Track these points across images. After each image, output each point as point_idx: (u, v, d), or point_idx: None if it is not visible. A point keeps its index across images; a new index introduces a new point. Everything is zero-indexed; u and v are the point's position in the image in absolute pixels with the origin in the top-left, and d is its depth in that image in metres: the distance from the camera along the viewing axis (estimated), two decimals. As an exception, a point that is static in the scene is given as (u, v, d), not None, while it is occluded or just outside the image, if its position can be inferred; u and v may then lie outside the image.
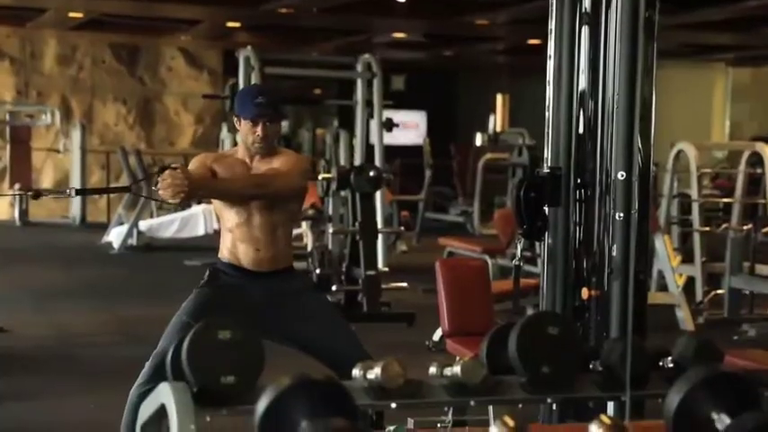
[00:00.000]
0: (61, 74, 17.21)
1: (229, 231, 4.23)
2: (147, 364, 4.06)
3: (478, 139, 17.64)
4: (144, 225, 12.88)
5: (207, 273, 4.27)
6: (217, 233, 4.45)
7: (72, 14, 14.21)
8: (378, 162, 10.86)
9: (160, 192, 3.77)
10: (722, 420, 2.10)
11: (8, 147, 16.18)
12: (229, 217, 4.22)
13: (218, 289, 4.21)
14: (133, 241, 12.81)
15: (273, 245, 4.22)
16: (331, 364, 4.11)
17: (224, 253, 4.26)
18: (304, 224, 10.06)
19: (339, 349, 4.15)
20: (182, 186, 3.73)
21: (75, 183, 15.76)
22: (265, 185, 4.13)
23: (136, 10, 13.54)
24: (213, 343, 2.26)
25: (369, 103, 11.37)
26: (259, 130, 4.17)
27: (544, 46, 3.87)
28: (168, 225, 12.79)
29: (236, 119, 4.27)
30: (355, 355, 3.96)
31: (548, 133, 3.80)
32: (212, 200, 4.35)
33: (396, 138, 13.97)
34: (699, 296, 8.95)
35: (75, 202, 15.67)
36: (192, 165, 4.24)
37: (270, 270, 4.22)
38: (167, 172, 3.76)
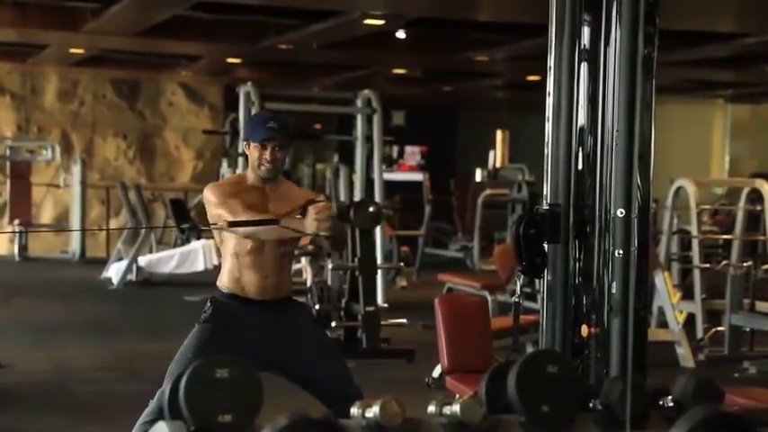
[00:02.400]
0: (62, 109, 17.27)
1: (236, 258, 4.22)
2: (152, 402, 4.05)
3: (478, 175, 17.67)
4: (143, 260, 12.87)
5: (208, 306, 4.25)
6: (216, 268, 4.45)
7: (73, 50, 14.27)
8: (377, 197, 10.87)
9: (316, 225, 3.90)
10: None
11: (8, 182, 16.20)
12: (242, 244, 4.21)
13: (220, 324, 4.20)
14: (132, 277, 12.79)
15: (280, 272, 4.27)
16: (323, 399, 4.12)
17: (225, 282, 4.26)
18: (303, 260, 10.05)
19: (333, 385, 4.16)
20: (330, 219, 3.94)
21: (75, 218, 15.77)
22: None
23: (137, 46, 13.59)
24: (211, 381, 2.25)
25: (369, 139, 11.40)
26: (268, 153, 4.22)
27: (543, 82, 3.87)
28: (167, 260, 12.78)
29: (245, 144, 4.31)
30: (348, 393, 3.97)
31: (547, 170, 3.80)
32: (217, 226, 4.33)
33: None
34: (699, 333, 8.93)
35: (75, 237, 15.67)
36: (223, 196, 4.19)
37: (273, 298, 4.25)
38: (323, 204, 3.95)
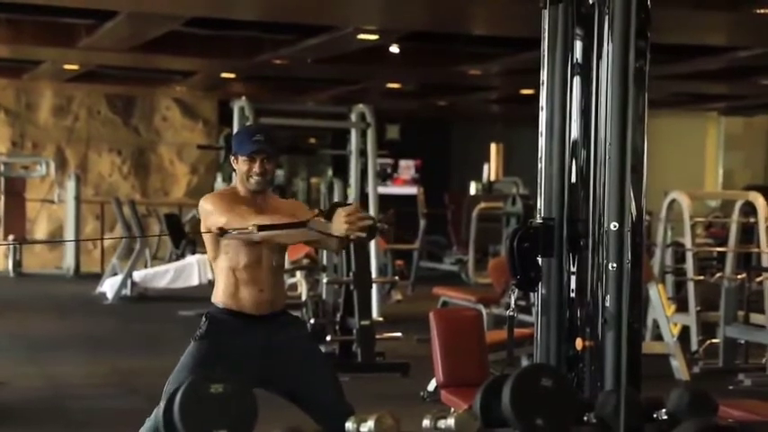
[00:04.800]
0: (56, 125, 17.26)
1: (233, 273, 4.20)
2: (148, 420, 4.03)
3: (473, 188, 17.69)
4: (138, 275, 12.86)
5: (204, 321, 4.22)
6: (211, 283, 4.43)
7: (67, 66, 14.28)
8: (372, 211, 10.87)
9: (345, 228, 3.88)
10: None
11: (2, 198, 16.19)
12: (237, 258, 4.19)
13: (215, 340, 4.17)
14: (127, 291, 12.78)
15: (275, 286, 4.25)
16: (314, 415, 4.12)
17: (221, 298, 4.22)
18: (298, 274, 10.05)
19: (325, 401, 4.15)
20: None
21: (70, 233, 15.75)
22: None
23: (131, 61, 13.60)
24: (206, 397, 2.26)
25: (363, 153, 11.41)
26: (257, 166, 4.19)
27: (537, 95, 3.89)
28: (162, 275, 12.77)
29: (233, 158, 4.28)
30: (340, 409, 3.96)
31: (540, 183, 3.82)
32: (211, 239, 4.29)
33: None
34: (694, 345, 8.93)
35: (69, 252, 15.66)
36: (227, 204, 4.16)
37: (268, 312, 4.22)
38: (353, 207, 3.97)
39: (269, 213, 4.19)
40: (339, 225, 3.90)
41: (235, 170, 4.30)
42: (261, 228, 3.94)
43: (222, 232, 4.00)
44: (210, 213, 4.17)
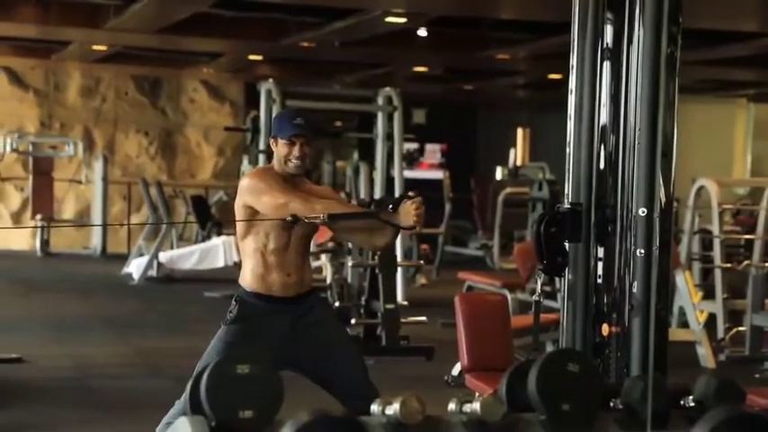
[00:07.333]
0: (84, 106, 17.34)
1: (262, 256, 4.21)
2: (178, 403, 4.04)
3: (499, 173, 17.65)
4: (164, 257, 12.91)
5: (234, 305, 4.23)
6: (237, 265, 4.45)
7: (96, 47, 14.33)
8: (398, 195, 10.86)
9: (414, 220, 3.99)
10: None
11: (31, 178, 16.29)
12: (266, 241, 4.20)
13: (246, 325, 4.19)
14: (153, 272, 12.84)
15: (302, 269, 4.28)
16: (341, 397, 4.13)
17: (249, 281, 4.24)
18: (323, 257, 10.06)
19: (350, 383, 4.16)
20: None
21: (97, 213, 15.85)
22: None
23: (159, 43, 13.64)
24: (232, 377, 2.26)
25: (389, 137, 11.40)
26: (296, 150, 4.23)
27: (565, 80, 3.86)
28: (188, 257, 12.82)
29: (272, 141, 4.30)
30: (366, 392, 3.97)
31: (568, 168, 3.79)
32: (245, 218, 4.27)
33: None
34: (720, 333, 8.89)
35: (96, 232, 15.74)
36: (278, 185, 4.17)
37: (296, 294, 4.25)
38: (420, 200, 4.00)
39: (314, 196, 4.21)
40: (408, 217, 3.99)
41: (268, 152, 4.32)
42: (331, 216, 3.97)
43: (295, 220, 4.02)
44: (262, 192, 4.13)
